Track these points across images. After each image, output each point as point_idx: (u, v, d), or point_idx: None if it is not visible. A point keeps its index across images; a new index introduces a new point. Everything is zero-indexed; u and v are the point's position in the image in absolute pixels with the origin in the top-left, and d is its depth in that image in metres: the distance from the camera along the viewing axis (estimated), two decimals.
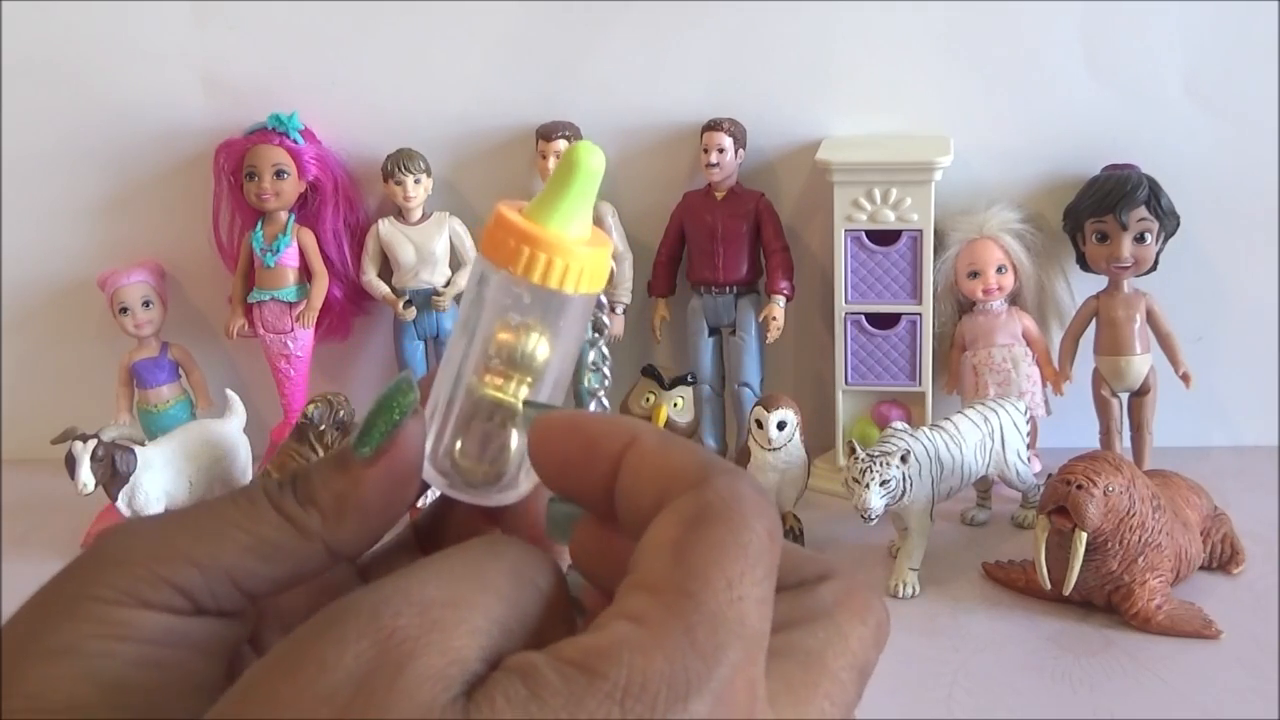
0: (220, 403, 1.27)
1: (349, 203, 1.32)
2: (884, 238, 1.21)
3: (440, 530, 0.33)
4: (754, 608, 0.24)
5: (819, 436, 1.28)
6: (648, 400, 1.21)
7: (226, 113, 1.31)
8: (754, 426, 1.13)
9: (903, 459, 1.03)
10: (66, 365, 1.40)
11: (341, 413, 1.16)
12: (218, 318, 1.36)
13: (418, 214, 1.29)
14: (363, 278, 1.31)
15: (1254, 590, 1.06)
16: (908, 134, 1.27)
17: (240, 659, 0.29)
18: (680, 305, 1.32)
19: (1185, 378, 1.22)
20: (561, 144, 1.23)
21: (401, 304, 1.30)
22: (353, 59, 1.30)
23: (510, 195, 0.32)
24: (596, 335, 0.33)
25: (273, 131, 1.28)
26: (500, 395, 0.31)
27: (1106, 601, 1.01)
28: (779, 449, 1.12)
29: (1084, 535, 0.96)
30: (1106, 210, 1.19)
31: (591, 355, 0.34)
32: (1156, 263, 1.22)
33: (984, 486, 1.18)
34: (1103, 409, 1.24)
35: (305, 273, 1.31)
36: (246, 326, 1.32)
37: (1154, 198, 1.19)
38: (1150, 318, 1.22)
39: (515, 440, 0.31)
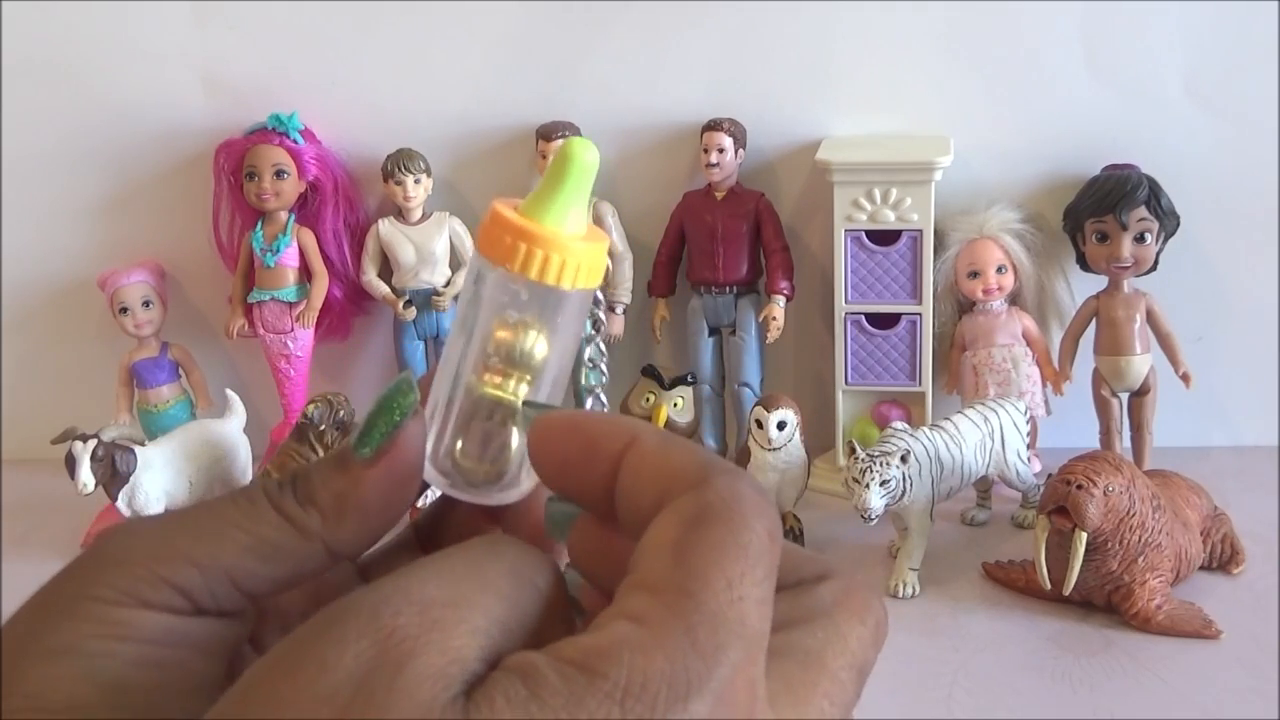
0: (220, 403, 1.27)
1: (349, 203, 1.32)
2: (884, 238, 1.21)
3: (441, 530, 0.33)
4: (754, 608, 0.24)
5: (819, 436, 1.28)
6: (648, 400, 1.21)
7: (226, 113, 1.31)
8: (754, 426, 1.13)
9: (903, 459, 1.03)
10: (66, 365, 1.40)
11: (341, 413, 1.16)
12: (218, 318, 1.36)
13: (418, 214, 1.29)
14: (363, 278, 1.31)
15: (1254, 590, 1.06)
16: (908, 134, 1.27)
17: (240, 659, 0.29)
18: (680, 305, 1.32)
19: (1185, 378, 1.22)
20: (561, 144, 1.23)
21: (401, 304, 1.30)
22: (353, 59, 1.30)
23: (510, 195, 0.32)
24: (593, 332, 0.33)
25: (273, 131, 1.28)
26: (500, 393, 0.31)
27: (1106, 601, 1.01)
28: (779, 449, 1.12)
29: (1084, 535, 0.96)
30: (1106, 210, 1.19)
31: (589, 352, 0.34)
32: (1156, 263, 1.22)
33: (984, 486, 1.18)
34: (1103, 409, 1.24)
35: (305, 273, 1.31)
36: (246, 326, 1.32)
37: (1154, 198, 1.19)
38: (1150, 318, 1.22)
39: (516, 439, 0.31)
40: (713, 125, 1.24)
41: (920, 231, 1.20)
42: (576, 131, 1.25)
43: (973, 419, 1.11)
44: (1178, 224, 1.21)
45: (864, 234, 1.21)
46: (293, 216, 1.30)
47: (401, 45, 1.29)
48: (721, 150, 1.24)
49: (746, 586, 0.24)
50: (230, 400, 1.23)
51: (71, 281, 1.37)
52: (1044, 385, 1.24)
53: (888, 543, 1.14)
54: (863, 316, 1.24)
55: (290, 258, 1.30)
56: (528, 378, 0.31)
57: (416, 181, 1.27)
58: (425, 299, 1.30)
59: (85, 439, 1.11)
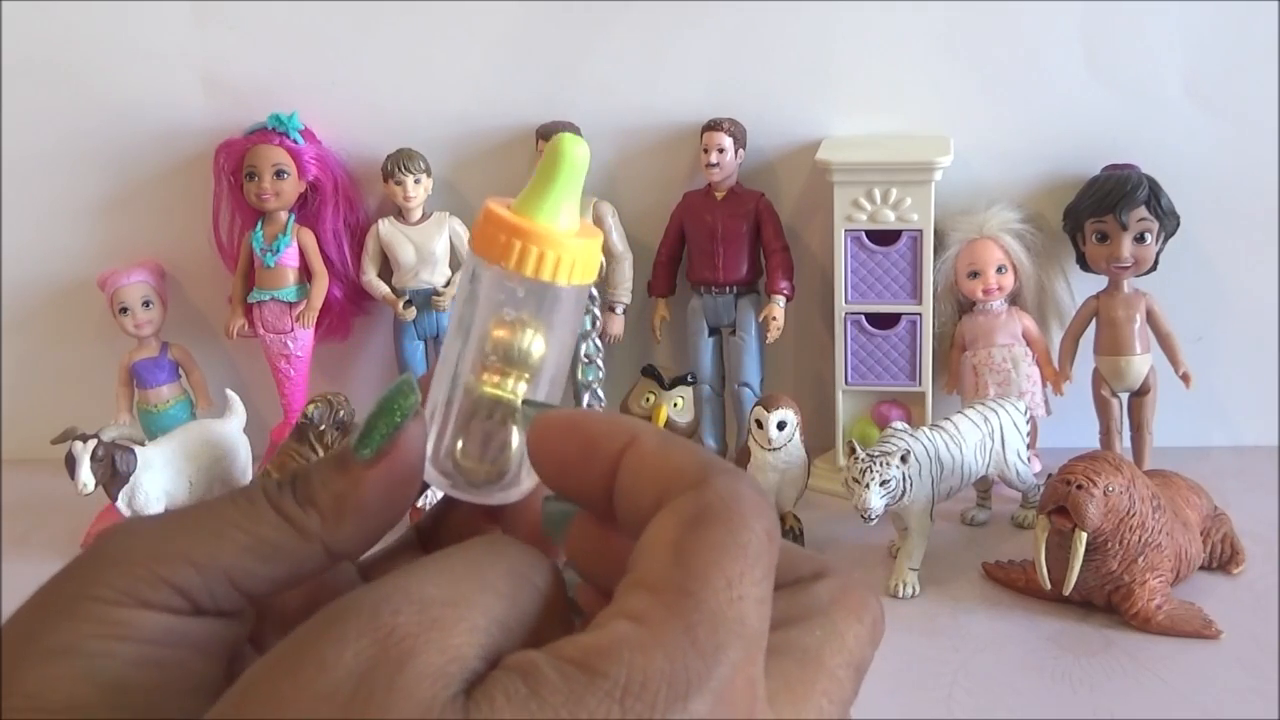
0: (220, 403, 1.27)
1: (349, 203, 1.32)
2: (884, 238, 1.21)
3: (440, 530, 0.33)
4: (753, 607, 0.24)
5: (819, 436, 1.28)
6: (648, 400, 1.21)
7: (226, 113, 1.31)
8: (754, 426, 1.13)
9: (903, 459, 1.03)
10: (66, 365, 1.40)
11: (341, 413, 1.16)
12: (218, 318, 1.36)
13: (418, 214, 1.29)
14: (363, 278, 1.31)
15: (1254, 590, 1.06)
16: (908, 134, 1.27)
17: (240, 659, 0.29)
18: (680, 305, 1.32)
19: (1185, 378, 1.22)
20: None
21: (401, 304, 1.30)
22: (353, 59, 1.30)
23: (510, 195, 0.32)
24: (590, 328, 0.34)
25: (273, 131, 1.28)
26: (499, 392, 0.31)
27: (1106, 601, 1.01)
28: (779, 449, 1.12)
29: (1084, 535, 0.96)
30: (1106, 210, 1.19)
31: (585, 348, 0.34)
32: (1156, 263, 1.22)
33: (984, 486, 1.18)
34: (1103, 409, 1.24)
35: (305, 273, 1.31)
36: (246, 326, 1.32)
37: (1154, 198, 1.19)
38: (1150, 318, 1.22)
39: (515, 438, 0.31)
40: (713, 125, 1.24)
41: (920, 231, 1.20)
42: (577, 131, 1.25)
43: (973, 419, 1.11)
44: (1178, 224, 1.22)
45: (864, 234, 1.21)
46: (293, 216, 1.30)
47: (401, 45, 1.29)
48: (721, 150, 1.24)
49: (746, 586, 0.24)
50: (230, 400, 1.24)
51: (71, 281, 1.37)
52: (1044, 385, 1.24)
53: (888, 543, 1.14)
54: (863, 316, 1.24)
55: (290, 258, 1.30)
56: (526, 376, 0.31)
57: (416, 181, 1.27)
58: (425, 299, 1.30)
59: (85, 439, 1.11)
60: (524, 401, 0.31)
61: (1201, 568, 1.07)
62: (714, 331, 1.31)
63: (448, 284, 1.30)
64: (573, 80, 1.29)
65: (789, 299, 1.27)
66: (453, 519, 0.33)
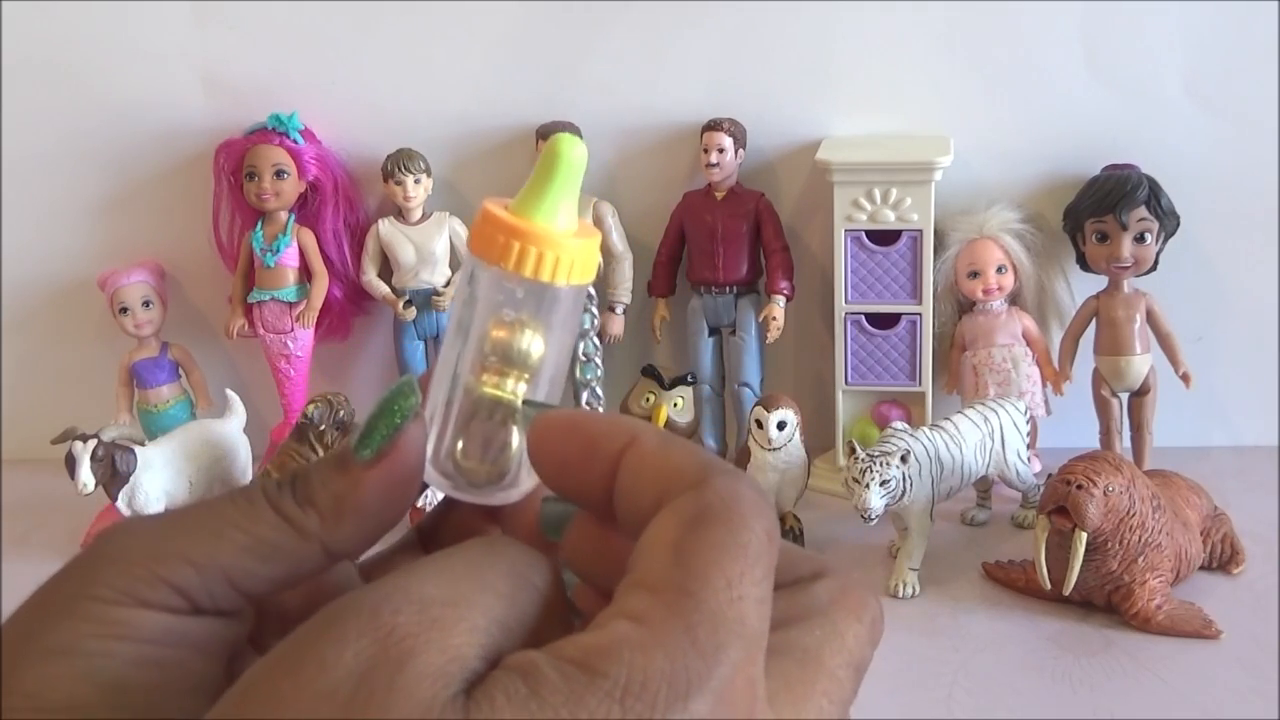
0: (220, 403, 1.27)
1: (349, 203, 1.32)
2: (884, 238, 1.21)
3: (441, 531, 0.33)
4: (753, 607, 0.24)
5: (819, 436, 1.28)
6: (648, 400, 1.21)
7: (226, 113, 1.31)
8: (754, 426, 1.13)
9: (903, 459, 1.03)
10: (66, 365, 1.40)
11: (341, 413, 1.16)
12: (218, 318, 1.37)
13: (418, 214, 1.29)
14: (363, 278, 1.31)
15: (1254, 590, 1.06)
16: (908, 134, 1.27)
17: (240, 658, 0.29)
18: (680, 305, 1.32)
19: (1185, 378, 1.22)
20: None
21: (401, 304, 1.30)
22: (353, 59, 1.30)
23: (509, 195, 0.32)
24: (588, 328, 0.34)
25: (273, 131, 1.28)
26: (499, 393, 0.31)
27: (1106, 601, 1.01)
28: (779, 449, 1.12)
29: (1084, 535, 0.96)
30: (1106, 210, 1.19)
31: (583, 347, 0.34)
32: (1156, 263, 1.22)
33: (984, 486, 1.18)
34: (1103, 409, 1.24)
35: (305, 273, 1.31)
36: (246, 326, 1.32)
37: (1154, 198, 1.19)
38: (1150, 318, 1.22)
39: (515, 438, 0.31)
40: (713, 125, 1.24)
41: (920, 231, 1.20)
42: (577, 131, 1.25)
43: (973, 419, 1.11)
44: (1178, 224, 1.22)
45: (864, 234, 1.21)
46: (293, 216, 1.30)
47: (401, 45, 1.29)
48: (721, 150, 1.24)
49: (746, 586, 0.24)
50: (230, 400, 1.24)
51: (71, 281, 1.37)
52: (1044, 385, 1.24)
53: (888, 543, 1.14)
54: (863, 316, 1.24)
55: (290, 258, 1.30)
56: (526, 376, 0.31)
57: (416, 181, 1.27)
58: (425, 299, 1.30)
59: (85, 439, 1.11)
60: (524, 402, 0.31)
61: (1201, 568, 1.07)
62: (714, 331, 1.31)
63: (448, 284, 1.30)
64: (573, 80, 1.29)
65: (789, 299, 1.27)
66: (453, 519, 0.33)
